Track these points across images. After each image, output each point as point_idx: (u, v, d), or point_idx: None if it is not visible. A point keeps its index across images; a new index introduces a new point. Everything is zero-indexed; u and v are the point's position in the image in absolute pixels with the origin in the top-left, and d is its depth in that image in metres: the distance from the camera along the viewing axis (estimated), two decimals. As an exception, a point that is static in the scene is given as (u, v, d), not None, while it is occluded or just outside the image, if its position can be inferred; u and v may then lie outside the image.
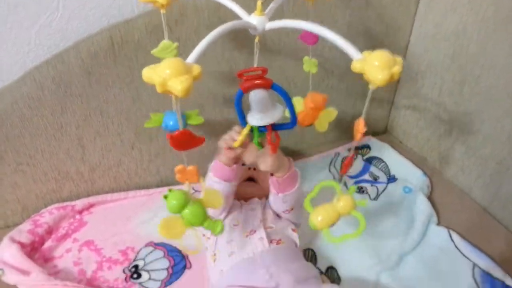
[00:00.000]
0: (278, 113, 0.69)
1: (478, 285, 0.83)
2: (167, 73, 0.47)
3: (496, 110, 0.93)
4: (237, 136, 0.77)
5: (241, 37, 0.90)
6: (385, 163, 1.14)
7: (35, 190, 0.95)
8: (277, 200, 0.85)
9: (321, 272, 0.88)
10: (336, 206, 0.59)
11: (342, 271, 0.88)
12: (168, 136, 0.52)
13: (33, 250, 0.89)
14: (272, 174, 0.82)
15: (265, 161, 0.77)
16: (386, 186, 1.08)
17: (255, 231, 0.82)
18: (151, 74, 0.47)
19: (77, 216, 0.98)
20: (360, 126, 0.58)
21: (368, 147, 1.20)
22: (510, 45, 0.87)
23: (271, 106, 0.68)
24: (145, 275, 0.87)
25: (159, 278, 0.87)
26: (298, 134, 1.16)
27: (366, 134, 1.24)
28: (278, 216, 0.89)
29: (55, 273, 0.85)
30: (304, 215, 0.82)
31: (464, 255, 0.89)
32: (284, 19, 0.61)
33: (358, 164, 1.15)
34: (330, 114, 0.79)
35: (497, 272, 0.84)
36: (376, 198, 1.05)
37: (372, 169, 1.14)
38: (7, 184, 0.92)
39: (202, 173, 0.58)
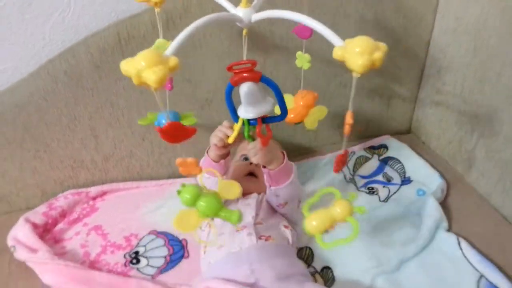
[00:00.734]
0: (268, 106, 0.68)
1: (481, 297, 0.77)
2: (142, 65, 0.47)
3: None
4: (229, 131, 0.78)
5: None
6: (402, 164, 1.09)
7: (53, 176, 1.02)
8: (271, 193, 0.85)
9: (316, 271, 0.87)
10: (332, 211, 0.57)
11: (338, 272, 0.86)
12: (157, 129, 0.53)
13: (46, 231, 0.96)
14: (264, 167, 0.82)
15: (256, 154, 0.77)
16: (399, 188, 1.03)
17: (245, 227, 0.82)
18: (127, 66, 0.48)
19: (90, 202, 1.04)
20: (347, 117, 0.55)
21: (385, 147, 1.16)
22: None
23: (262, 98, 0.68)
24: (143, 261, 0.90)
25: (156, 265, 0.89)
26: (311, 132, 1.14)
27: (385, 133, 1.21)
28: (273, 211, 0.89)
29: (63, 254, 0.91)
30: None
31: (471, 264, 0.83)
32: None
33: (372, 164, 1.11)
34: (321, 111, 0.78)
35: (504, 285, 0.77)
36: (386, 200, 1.01)
37: (387, 169, 1.09)
38: (27, 169, 0.99)
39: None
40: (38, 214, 0.97)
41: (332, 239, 0.57)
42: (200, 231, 0.87)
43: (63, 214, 1.00)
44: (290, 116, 0.78)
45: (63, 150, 0.99)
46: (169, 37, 0.63)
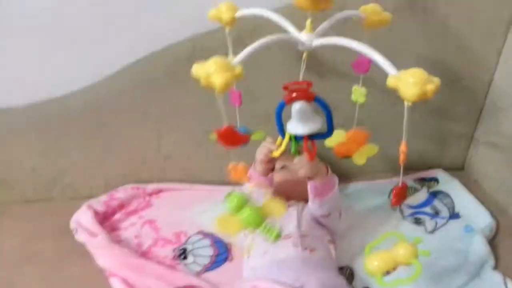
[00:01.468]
0: (318, 124, 0.72)
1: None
2: (212, 69, 0.55)
3: None
4: (274, 146, 0.83)
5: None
6: (451, 199, 1.09)
7: (117, 170, 1.11)
8: (314, 204, 0.88)
9: (355, 291, 0.88)
10: (395, 253, 0.59)
11: (377, 294, 0.87)
12: (215, 131, 0.59)
13: (105, 218, 1.04)
14: (309, 179, 0.85)
15: (303, 168, 0.81)
16: (447, 222, 1.03)
17: (290, 237, 0.86)
18: (198, 68, 0.56)
19: (147, 198, 1.12)
20: (402, 146, 0.59)
21: (436, 180, 1.16)
22: None
23: (312, 117, 0.73)
24: (190, 258, 0.96)
25: (202, 263, 0.95)
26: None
27: (437, 167, 1.21)
28: (315, 223, 0.92)
29: (118, 242, 0.98)
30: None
31: (516, 304, 0.82)
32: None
33: (421, 196, 1.11)
34: (371, 150, 0.80)
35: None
36: (432, 232, 1.01)
37: (436, 202, 1.09)
38: (96, 162, 1.09)
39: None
40: (99, 203, 1.06)
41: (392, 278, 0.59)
42: (244, 237, 0.91)
43: (121, 206, 1.08)
44: (340, 150, 0.81)
45: (129, 148, 1.08)
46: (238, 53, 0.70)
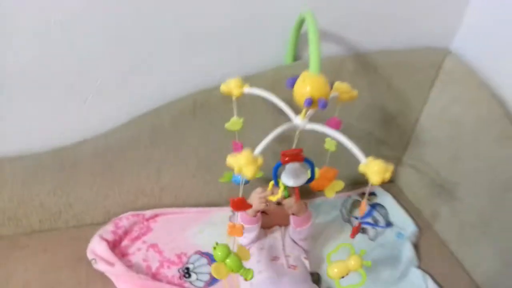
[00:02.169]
0: (306, 178, 0.97)
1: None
2: (242, 162, 0.72)
3: (475, 187, 1.21)
4: (269, 193, 1.06)
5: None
6: (386, 210, 1.43)
7: (118, 200, 1.27)
8: (295, 232, 1.17)
9: (322, 292, 1.19)
10: (348, 263, 0.87)
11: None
12: (230, 200, 0.80)
13: (114, 246, 1.20)
14: (293, 214, 1.13)
15: (292, 207, 1.09)
16: (384, 231, 1.36)
17: (278, 258, 1.12)
18: (232, 161, 0.73)
19: (145, 223, 1.29)
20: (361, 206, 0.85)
21: (374, 194, 1.49)
22: (495, 141, 1.13)
23: (301, 173, 0.97)
24: (193, 276, 1.18)
25: (203, 279, 1.17)
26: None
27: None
28: (294, 243, 1.19)
29: (130, 266, 1.16)
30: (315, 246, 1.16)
31: (433, 296, 1.18)
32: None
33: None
34: (338, 185, 1.05)
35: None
36: (373, 239, 1.33)
37: (375, 213, 1.42)
38: (101, 195, 1.24)
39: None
40: (108, 232, 1.21)
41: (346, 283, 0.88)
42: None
43: (126, 232, 1.25)
44: (315, 185, 1.06)
45: (132, 183, 1.24)
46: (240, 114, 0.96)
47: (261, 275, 1.09)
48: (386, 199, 1.47)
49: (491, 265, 1.17)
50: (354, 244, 1.24)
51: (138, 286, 1.11)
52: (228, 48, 1.15)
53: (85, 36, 1.01)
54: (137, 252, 1.22)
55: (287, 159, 0.91)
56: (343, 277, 0.88)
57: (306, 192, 1.22)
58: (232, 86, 0.97)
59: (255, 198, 1.10)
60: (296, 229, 1.16)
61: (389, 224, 1.39)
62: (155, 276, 1.16)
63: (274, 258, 1.13)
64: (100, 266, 1.13)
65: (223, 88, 0.99)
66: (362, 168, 0.76)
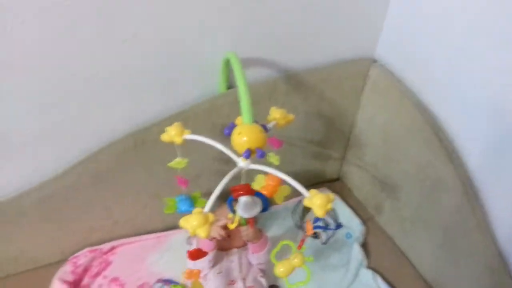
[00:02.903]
0: (259, 209, 1.03)
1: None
2: (194, 224, 0.76)
3: (409, 186, 1.31)
4: (228, 221, 1.11)
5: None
6: (335, 211, 1.51)
7: (71, 239, 1.28)
8: (253, 257, 1.23)
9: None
10: (291, 261, 0.92)
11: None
12: (188, 252, 0.85)
13: (76, 286, 1.23)
14: (249, 241, 1.19)
15: (248, 234, 1.15)
16: (334, 232, 1.45)
17: (235, 282, 1.19)
18: (185, 223, 0.77)
19: (104, 257, 1.32)
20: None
21: (323, 197, 1.56)
22: (420, 147, 1.22)
23: (253, 205, 1.02)
24: (159, 304, 1.23)
25: (167, 306, 1.23)
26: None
27: (321, 182, 1.60)
28: (250, 265, 1.26)
29: (94, 304, 1.20)
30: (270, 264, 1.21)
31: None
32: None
33: (314, 211, 1.51)
34: (285, 189, 1.10)
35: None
36: (326, 243, 1.42)
37: (325, 216, 1.50)
38: (54, 238, 1.25)
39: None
40: (67, 273, 1.23)
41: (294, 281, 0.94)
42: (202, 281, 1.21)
43: (85, 270, 1.27)
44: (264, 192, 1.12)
45: (82, 222, 1.26)
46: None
47: (221, 299, 1.15)
48: (334, 201, 1.54)
49: (433, 258, 1.28)
50: (307, 252, 1.31)
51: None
52: (153, 87, 1.16)
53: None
54: (100, 289, 1.25)
55: (238, 193, 0.96)
56: (289, 274, 0.91)
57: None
58: (172, 134, 0.99)
59: (215, 227, 1.15)
60: (253, 254, 1.22)
61: (339, 225, 1.47)
62: (121, 311, 1.21)
63: (231, 283, 1.19)
64: (63, 310, 1.16)
65: (164, 137, 1.00)
66: (306, 202, 0.82)
